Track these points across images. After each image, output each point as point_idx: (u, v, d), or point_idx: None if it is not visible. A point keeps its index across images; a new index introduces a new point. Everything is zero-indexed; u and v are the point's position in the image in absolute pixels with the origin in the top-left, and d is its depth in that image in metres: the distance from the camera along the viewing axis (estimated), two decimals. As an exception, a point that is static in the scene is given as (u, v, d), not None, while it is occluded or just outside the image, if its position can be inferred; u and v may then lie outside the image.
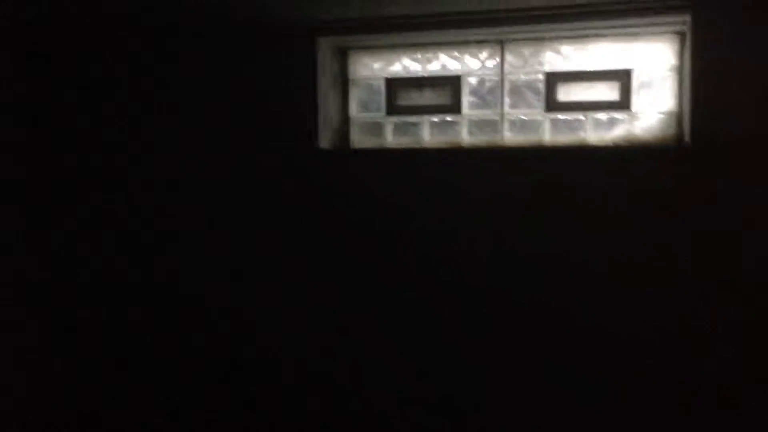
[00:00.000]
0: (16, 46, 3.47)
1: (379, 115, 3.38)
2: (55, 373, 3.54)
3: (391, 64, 3.35)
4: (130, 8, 3.35)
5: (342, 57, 3.39)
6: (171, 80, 3.45)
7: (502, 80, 3.21)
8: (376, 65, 3.37)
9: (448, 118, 3.28)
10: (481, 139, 3.24)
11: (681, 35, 3.01)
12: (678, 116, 3.03)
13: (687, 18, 2.88)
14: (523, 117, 3.19)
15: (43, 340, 3.55)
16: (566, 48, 3.14)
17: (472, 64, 3.25)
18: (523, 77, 3.19)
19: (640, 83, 3.07)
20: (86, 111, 3.56)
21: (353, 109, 3.41)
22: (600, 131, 3.12)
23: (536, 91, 3.17)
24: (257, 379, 3.41)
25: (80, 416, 3.56)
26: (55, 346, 3.56)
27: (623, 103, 3.09)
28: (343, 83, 3.41)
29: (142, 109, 3.51)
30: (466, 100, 3.26)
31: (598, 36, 3.09)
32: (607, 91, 3.10)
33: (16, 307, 3.45)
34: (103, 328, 3.58)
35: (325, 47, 3.29)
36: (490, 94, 3.23)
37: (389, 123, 3.37)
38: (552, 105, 3.16)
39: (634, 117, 3.08)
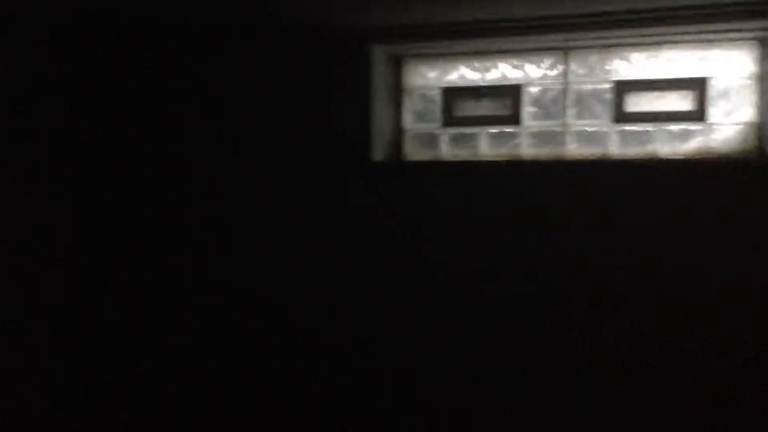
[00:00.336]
0: (88, 50, 3.44)
1: (435, 126, 3.23)
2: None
3: (447, 72, 3.20)
4: (174, 19, 3.28)
5: (396, 65, 3.26)
6: (220, 87, 3.37)
7: (565, 89, 3.03)
8: (432, 74, 3.22)
9: (508, 130, 3.12)
10: (542, 152, 3.07)
11: (762, 41, 2.81)
12: (759, 127, 2.82)
13: (772, 22, 2.69)
14: (588, 128, 3.01)
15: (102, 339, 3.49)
16: (636, 55, 2.95)
17: (533, 73, 3.08)
18: (588, 86, 3.00)
19: (717, 92, 2.87)
20: (134, 120, 3.49)
21: (407, 119, 3.27)
22: (672, 144, 2.92)
23: (603, 101, 2.99)
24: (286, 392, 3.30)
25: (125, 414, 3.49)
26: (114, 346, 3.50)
27: (698, 114, 2.89)
28: (397, 93, 3.27)
29: (187, 115, 3.42)
30: (526, 110, 3.09)
31: (671, 42, 2.89)
32: (681, 101, 2.91)
33: (76, 305, 3.44)
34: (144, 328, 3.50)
35: (379, 55, 3.16)
36: (552, 104, 3.05)
37: (445, 134, 3.21)
38: (620, 116, 2.97)
39: (709, 128, 2.88)
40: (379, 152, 3.18)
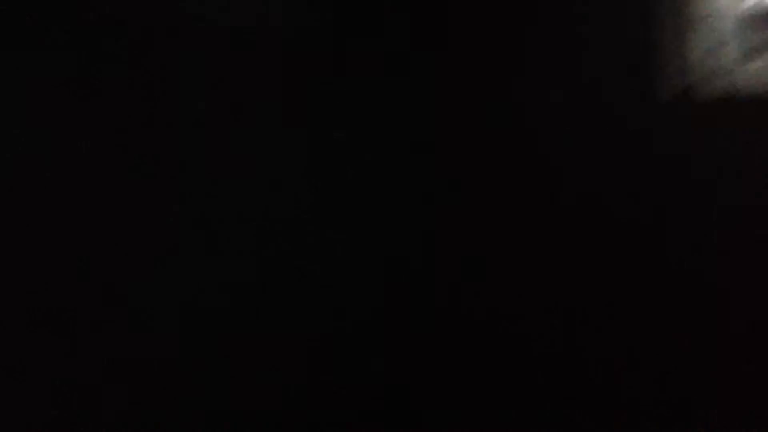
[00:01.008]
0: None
1: (736, 58, 2.70)
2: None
3: (756, -9, 2.66)
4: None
5: (687, -15, 2.74)
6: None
7: None
8: (732, -5, 2.68)
9: None
10: None
11: None
12: None
13: None
14: None
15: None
16: None
17: None
18: None
19: None
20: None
21: (701, 50, 2.75)
22: None
23: None
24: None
25: None
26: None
27: None
28: (689, 18, 2.77)
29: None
30: None
31: None
32: None
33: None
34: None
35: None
36: None
37: (749, 68, 2.68)
38: None
39: None
40: (669, 89, 2.69)
